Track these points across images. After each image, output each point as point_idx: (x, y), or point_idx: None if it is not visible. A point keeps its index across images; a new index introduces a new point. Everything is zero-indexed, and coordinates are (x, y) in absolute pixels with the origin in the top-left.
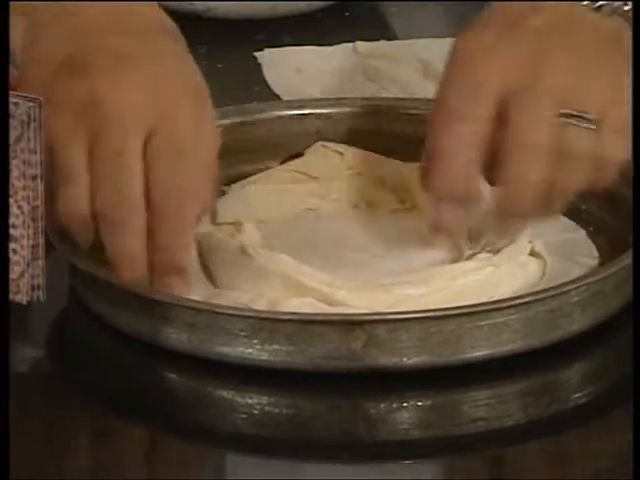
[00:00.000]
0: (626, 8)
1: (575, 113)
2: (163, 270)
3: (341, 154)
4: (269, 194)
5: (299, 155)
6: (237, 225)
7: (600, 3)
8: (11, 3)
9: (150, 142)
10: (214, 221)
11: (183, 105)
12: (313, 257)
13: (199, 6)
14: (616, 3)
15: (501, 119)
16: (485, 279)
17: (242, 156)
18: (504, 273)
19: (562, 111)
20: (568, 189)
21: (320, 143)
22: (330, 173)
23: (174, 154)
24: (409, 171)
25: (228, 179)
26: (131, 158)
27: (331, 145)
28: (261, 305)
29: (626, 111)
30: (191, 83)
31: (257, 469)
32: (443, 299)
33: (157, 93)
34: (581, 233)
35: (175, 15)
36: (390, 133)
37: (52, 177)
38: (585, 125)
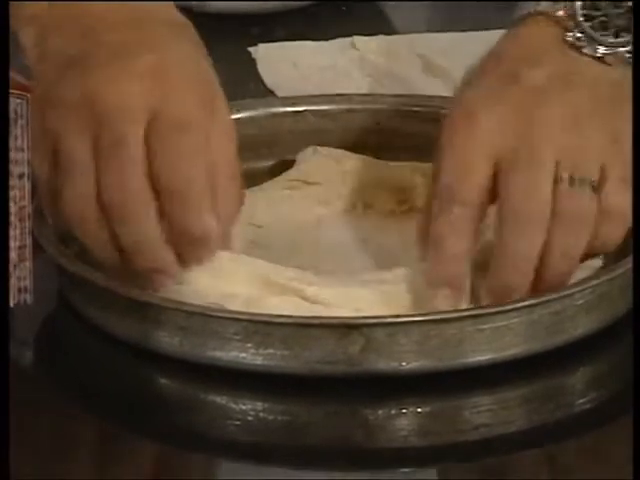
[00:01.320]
0: (623, 49)
1: (575, 177)
2: (187, 251)
3: (335, 158)
4: (271, 200)
5: (289, 162)
6: None
7: (602, 52)
8: (13, 6)
9: (151, 127)
10: None
11: (184, 90)
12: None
13: (192, 1)
14: (619, 50)
15: (495, 188)
16: None
17: None
18: None
19: (562, 175)
20: (571, 256)
21: (312, 147)
22: (328, 177)
23: (175, 132)
24: (407, 172)
25: None
26: (131, 146)
27: (323, 149)
28: (236, 305)
29: (628, 166)
30: (195, 72)
31: (251, 477)
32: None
33: (156, 80)
34: None
35: None
36: (388, 130)
37: (56, 178)
38: (585, 188)
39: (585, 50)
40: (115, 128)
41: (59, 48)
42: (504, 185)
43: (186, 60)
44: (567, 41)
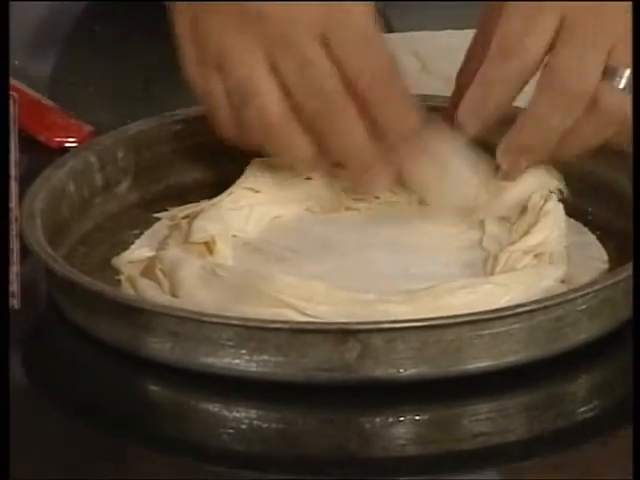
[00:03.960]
0: None
1: (615, 67)
2: (399, 148)
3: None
4: (239, 209)
5: None
6: (210, 244)
7: None
8: None
9: (331, 41)
10: (186, 241)
11: (356, 11)
12: (296, 267)
13: None
14: None
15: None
16: (478, 298)
17: (226, 156)
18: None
19: (609, 63)
20: (586, 141)
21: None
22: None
23: (360, 41)
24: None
25: (211, 180)
26: (318, 61)
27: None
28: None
29: None
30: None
31: None
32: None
33: (325, 6)
34: (590, 236)
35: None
36: None
37: (235, 100)
38: (619, 81)
39: None
40: (295, 47)
41: None
42: (558, 53)
43: None
44: None
